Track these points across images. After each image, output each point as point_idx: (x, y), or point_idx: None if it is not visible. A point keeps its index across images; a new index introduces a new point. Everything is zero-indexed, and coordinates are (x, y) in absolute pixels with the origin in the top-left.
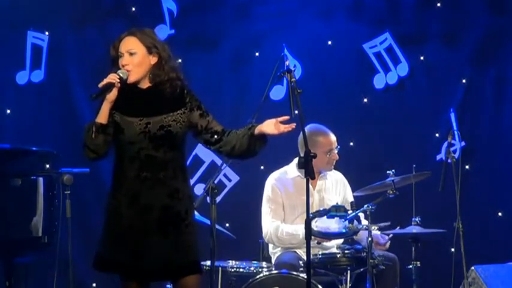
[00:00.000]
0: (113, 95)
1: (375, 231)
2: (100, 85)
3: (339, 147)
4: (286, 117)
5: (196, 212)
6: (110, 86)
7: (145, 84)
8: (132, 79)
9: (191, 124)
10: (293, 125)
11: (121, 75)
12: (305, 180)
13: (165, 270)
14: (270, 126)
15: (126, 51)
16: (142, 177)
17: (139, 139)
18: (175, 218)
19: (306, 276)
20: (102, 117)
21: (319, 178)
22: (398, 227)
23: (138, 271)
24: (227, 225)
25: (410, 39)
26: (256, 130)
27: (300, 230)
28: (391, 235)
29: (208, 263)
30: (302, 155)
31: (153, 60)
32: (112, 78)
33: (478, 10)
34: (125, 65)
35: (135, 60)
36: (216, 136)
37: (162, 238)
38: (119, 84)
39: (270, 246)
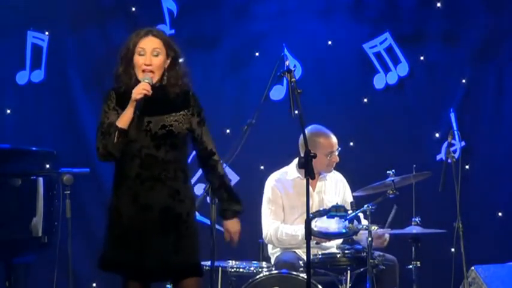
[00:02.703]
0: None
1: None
2: (138, 97)
3: (339, 149)
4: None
5: (196, 212)
6: (145, 96)
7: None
8: (154, 81)
9: (190, 128)
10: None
11: (148, 81)
12: (305, 181)
13: (166, 271)
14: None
15: (151, 50)
16: (143, 176)
17: (140, 137)
18: (176, 220)
19: (306, 276)
20: (125, 122)
21: (319, 179)
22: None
23: (139, 271)
24: None
25: (411, 39)
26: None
27: (299, 230)
28: (389, 230)
29: (208, 263)
30: (302, 155)
31: (167, 63)
32: (147, 89)
33: (478, 10)
34: (148, 65)
35: (158, 61)
36: (204, 153)
37: (162, 239)
38: (151, 92)
39: (269, 246)
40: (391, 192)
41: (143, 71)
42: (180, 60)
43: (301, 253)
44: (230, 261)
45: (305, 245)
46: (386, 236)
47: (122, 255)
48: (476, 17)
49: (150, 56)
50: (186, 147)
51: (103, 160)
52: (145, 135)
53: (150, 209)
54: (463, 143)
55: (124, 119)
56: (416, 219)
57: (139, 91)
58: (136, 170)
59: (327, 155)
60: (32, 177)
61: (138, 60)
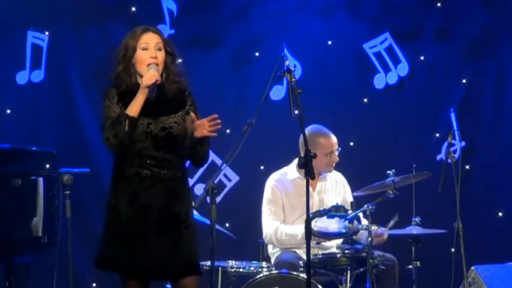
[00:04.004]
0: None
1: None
2: (150, 83)
3: (339, 149)
4: (215, 116)
5: (196, 212)
6: (156, 82)
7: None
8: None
9: (186, 127)
10: (217, 121)
11: (154, 69)
12: (305, 181)
13: (164, 270)
14: (197, 130)
15: (154, 44)
16: (142, 175)
17: (141, 138)
18: (175, 219)
19: (306, 276)
20: (136, 110)
21: (319, 179)
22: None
23: (137, 270)
24: (227, 225)
25: (411, 39)
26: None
27: (298, 230)
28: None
29: (208, 263)
30: (302, 155)
31: (166, 59)
32: (156, 75)
33: (477, 10)
34: (153, 58)
35: (161, 56)
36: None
37: (161, 238)
38: (160, 78)
39: (269, 246)
40: (391, 192)
41: (148, 64)
42: (178, 59)
43: (301, 253)
44: (230, 261)
45: (305, 245)
46: (385, 235)
47: (120, 254)
48: (476, 16)
49: (154, 49)
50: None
51: (114, 150)
52: (145, 137)
53: (149, 208)
54: (463, 143)
55: (134, 107)
56: (416, 219)
57: (150, 77)
58: (136, 169)
59: (327, 154)
60: (32, 177)
61: (142, 55)
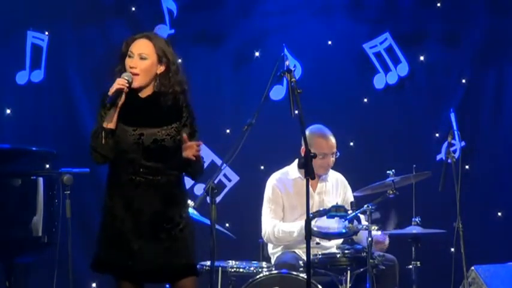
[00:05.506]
0: (121, 99)
1: (375, 232)
2: (111, 92)
3: (338, 154)
4: (200, 142)
5: (196, 212)
6: (120, 92)
7: (145, 93)
8: (136, 84)
9: (181, 139)
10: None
11: (127, 78)
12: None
13: (159, 273)
14: (185, 151)
15: (137, 53)
16: (136, 181)
17: (132, 149)
18: (169, 223)
19: (306, 276)
20: (111, 122)
21: (320, 180)
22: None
23: (132, 272)
24: (227, 225)
25: (411, 39)
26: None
27: (295, 227)
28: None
29: (208, 263)
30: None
31: (160, 69)
32: (121, 84)
33: (478, 10)
34: (132, 67)
35: (143, 65)
36: None
37: (155, 242)
38: (127, 89)
39: (270, 246)
40: (391, 192)
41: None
42: (177, 67)
43: (301, 253)
44: (230, 261)
45: (302, 243)
46: (387, 241)
47: (114, 257)
48: (476, 16)
49: (137, 58)
50: (178, 154)
51: (97, 162)
52: (137, 148)
53: (143, 213)
54: (463, 143)
55: (109, 118)
56: (416, 219)
57: (113, 85)
58: (130, 175)
59: (319, 155)
60: (32, 177)
61: (127, 63)
